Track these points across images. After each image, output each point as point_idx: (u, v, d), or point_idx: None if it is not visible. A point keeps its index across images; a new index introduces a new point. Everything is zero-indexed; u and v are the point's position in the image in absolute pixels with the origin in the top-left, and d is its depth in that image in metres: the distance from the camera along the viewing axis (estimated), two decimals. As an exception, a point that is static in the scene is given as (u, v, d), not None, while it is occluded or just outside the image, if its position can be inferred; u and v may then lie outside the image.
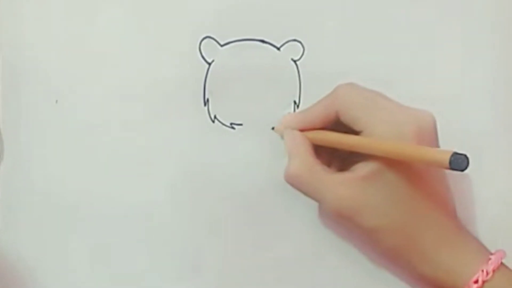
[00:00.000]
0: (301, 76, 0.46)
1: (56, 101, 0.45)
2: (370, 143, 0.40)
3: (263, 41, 0.45)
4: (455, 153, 0.34)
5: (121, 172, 0.46)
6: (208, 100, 0.45)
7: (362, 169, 0.41)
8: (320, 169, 0.42)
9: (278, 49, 0.46)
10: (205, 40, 0.45)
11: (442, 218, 0.41)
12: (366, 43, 0.46)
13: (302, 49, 0.46)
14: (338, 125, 0.42)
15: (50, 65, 0.45)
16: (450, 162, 0.34)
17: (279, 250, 0.46)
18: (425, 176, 0.41)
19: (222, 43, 0.45)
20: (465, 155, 0.34)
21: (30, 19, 0.45)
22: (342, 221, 0.42)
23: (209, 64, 0.45)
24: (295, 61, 0.46)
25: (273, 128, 0.46)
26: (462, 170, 0.34)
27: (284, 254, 0.46)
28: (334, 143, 0.42)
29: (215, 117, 0.46)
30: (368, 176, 0.40)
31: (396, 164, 0.40)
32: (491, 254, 0.41)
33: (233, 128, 0.46)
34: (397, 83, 0.46)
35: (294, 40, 0.46)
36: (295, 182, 0.43)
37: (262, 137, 0.46)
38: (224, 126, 0.46)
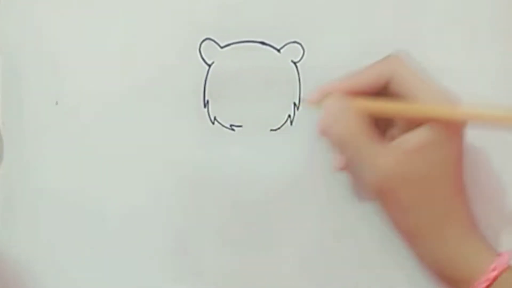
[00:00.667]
0: (301, 78, 0.46)
1: (56, 103, 0.46)
2: (436, 108, 0.40)
3: (263, 43, 0.45)
4: None
5: (121, 173, 0.46)
6: (208, 101, 0.46)
7: (410, 141, 0.40)
8: (366, 136, 0.41)
9: (278, 51, 0.45)
10: (205, 42, 0.45)
11: (463, 207, 0.41)
12: (366, 45, 0.46)
13: (302, 51, 0.46)
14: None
15: (50, 67, 0.45)
16: None
17: (280, 251, 0.46)
18: (461, 163, 0.41)
19: (222, 44, 0.45)
20: None
21: (30, 21, 0.45)
22: (379, 194, 0.41)
23: (209, 65, 0.45)
24: (295, 63, 0.46)
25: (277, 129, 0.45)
26: None
27: (285, 256, 0.46)
28: (387, 111, 0.41)
29: (215, 118, 0.46)
30: (415, 149, 0.40)
31: (442, 141, 0.40)
32: (499, 254, 0.41)
33: (233, 129, 0.46)
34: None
35: (294, 42, 0.45)
36: (339, 146, 0.41)
37: (262, 138, 0.46)
38: (224, 128, 0.46)
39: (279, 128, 0.46)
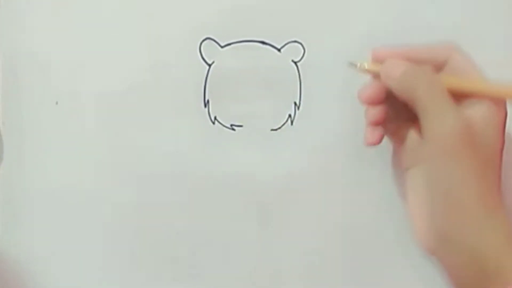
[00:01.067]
0: (301, 77, 0.46)
1: (57, 103, 0.45)
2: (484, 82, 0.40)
3: (263, 43, 0.45)
4: None
5: (121, 173, 0.46)
6: (208, 101, 0.45)
7: (478, 108, 0.39)
8: (446, 94, 0.39)
9: (279, 50, 0.45)
10: (205, 42, 0.45)
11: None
12: (367, 44, 0.46)
13: (302, 51, 0.45)
14: None
15: (50, 67, 0.45)
16: None
17: (280, 250, 0.46)
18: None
19: (222, 44, 0.45)
20: None
21: (30, 21, 0.45)
22: (441, 153, 0.39)
23: (210, 65, 0.45)
24: (295, 62, 0.46)
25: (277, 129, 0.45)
26: None
27: (285, 255, 0.46)
28: (463, 87, 0.40)
29: (215, 118, 0.46)
30: (481, 119, 0.39)
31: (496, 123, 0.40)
32: None
33: (233, 129, 0.46)
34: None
35: (295, 41, 0.45)
36: (417, 94, 0.39)
37: (262, 138, 0.46)
38: (224, 128, 0.46)
39: (279, 128, 0.46)
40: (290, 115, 0.46)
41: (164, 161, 0.46)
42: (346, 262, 0.46)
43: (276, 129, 0.46)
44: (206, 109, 0.45)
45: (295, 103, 0.46)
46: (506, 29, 0.46)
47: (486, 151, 0.39)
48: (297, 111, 0.46)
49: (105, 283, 0.46)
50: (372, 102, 0.42)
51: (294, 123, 0.46)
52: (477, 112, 0.39)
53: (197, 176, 0.46)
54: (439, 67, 0.41)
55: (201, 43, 0.45)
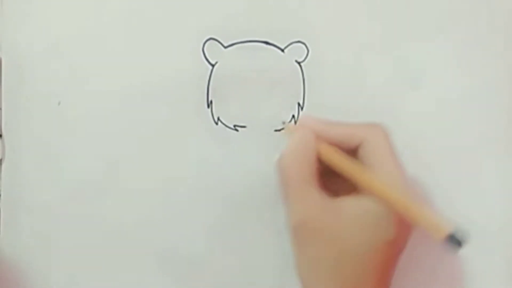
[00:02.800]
0: (305, 78, 0.45)
1: (59, 103, 0.45)
2: (377, 183, 0.39)
3: (267, 43, 0.45)
4: (454, 231, 0.34)
5: (122, 174, 0.45)
6: (211, 102, 0.45)
7: (342, 205, 0.40)
8: (310, 180, 0.40)
9: (282, 50, 0.45)
10: (208, 42, 0.45)
11: None
12: (370, 44, 0.46)
13: (306, 51, 0.45)
14: None
15: (52, 67, 0.45)
16: (450, 236, 0.34)
17: (283, 251, 0.46)
18: (392, 256, 0.40)
19: (226, 44, 0.45)
20: (460, 240, 0.33)
21: (32, 21, 0.45)
22: (292, 235, 0.41)
23: (213, 65, 0.45)
24: (299, 63, 0.45)
25: (283, 125, 0.45)
26: (460, 246, 0.34)
27: (287, 255, 0.45)
28: (336, 162, 0.41)
29: (218, 119, 0.45)
30: (340, 212, 0.40)
31: (378, 221, 0.39)
32: None
33: (236, 130, 0.46)
34: (402, 84, 0.46)
35: (298, 41, 0.45)
36: (281, 172, 0.41)
37: (265, 139, 0.45)
38: (227, 128, 0.45)
39: (283, 129, 0.45)
40: (293, 116, 0.46)
41: (167, 161, 0.45)
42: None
43: (279, 130, 0.46)
44: (209, 109, 0.45)
45: (299, 104, 0.46)
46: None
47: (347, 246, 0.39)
48: (300, 112, 0.46)
49: (105, 283, 0.46)
50: None
51: (298, 123, 0.46)
52: (352, 207, 0.40)
53: (200, 176, 0.45)
54: (355, 147, 0.41)
55: (204, 44, 0.45)
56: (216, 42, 0.45)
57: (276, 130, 0.45)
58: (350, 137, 0.41)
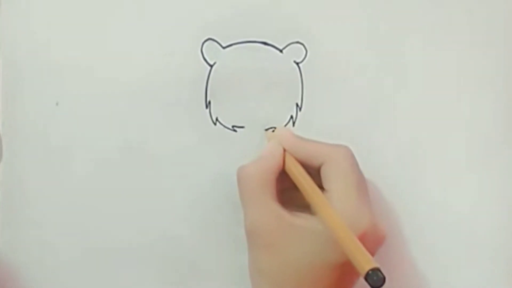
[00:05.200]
0: (303, 78, 0.45)
1: (57, 103, 0.45)
2: (322, 205, 0.40)
3: (265, 43, 0.45)
4: (374, 270, 0.34)
5: (121, 174, 0.45)
6: (210, 102, 0.45)
7: (298, 222, 0.41)
8: (267, 188, 0.42)
9: (281, 51, 0.45)
10: (207, 42, 0.45)
11: None
12: (369, 45, 0.46)
13: (304, 52, 0.45)
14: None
15: (50, 67, 0.45)
16: (367, 275, 0.34)
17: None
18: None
19: (224, 45, 0.45)
20: (383, 277, 0.34)
21: (31, 21, 0.45)
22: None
23: (211, 66, 0.45)
24: (297, 64, 0.45)
25: (266, 130, 0.45)
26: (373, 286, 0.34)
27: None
28: (296, 178, 0.42)
29: (216, 119, 0.45)
30: (290, 227, 0.41)
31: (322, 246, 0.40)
32: None
33: (235, 130, 0.46)
34: (401, 85, 0.46)
35: (297, 42, 0.45)
36: (242, 180, 0.42)
37: (264, 140, 0.45)
38: (226, 129, 0.45)
39: (271, 128, 0.46)
40: (292, 116, 0.46)
41: (165, 162, 0.45)
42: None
43: (267, 129, 0.46)
44: (208, 110, 0.45)
45: (297, 104, 0.46)
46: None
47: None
48: (299, 112, 0.46)
49: (105, 283, 0.46)
50: None
51: (296, 124, 0.46)
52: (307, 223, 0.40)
53: (198, 177, 0.45)
54: (319, 166, 0.42)
55: (203, 44, 0.45)
56: (215, 43, 0.45)
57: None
58: (314, 155, 0.42)
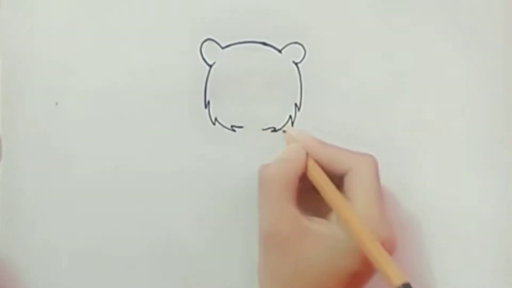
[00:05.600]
0: (302, 78, 0.46)
1: (56, 103, 0.45)
2: (348, 214, 0.40)
3: (264, 44, 0.45)
4: (405, 285, 0.35)
5: (120, 174, 0.45)
6: (209, 102, 0.45)
7: (316, 228, 0.41)
8: (288, 193, 0.41)
9: (280, 51, 0.45)
10: (206, 42, 0.45)
11: None
12: (367, 45, 0.46)
13: (303, 52, 0.45)
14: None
15: (50, 67, 0.45)
16: None
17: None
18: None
19: (223, 45, 0.45)
20: None
21: (30, 21, 0.45)
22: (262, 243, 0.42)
23: (210, 66, 0.45)
24: (296, 64, 0.46)
25: (277, 130, 0.45)
26: None
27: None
28: (318, 184, 0.42)
29: (215, 119, 0.45)
30: (308, 234, 0.40)
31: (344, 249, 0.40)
32: None
33: (234, 130, 0.46)
34: (401, 85, 0.46)
35: (296, 42, 0.45)
36: (264, 180, 0.42)
37: (263, 140, 0.46)
38: (225, 129, 0.46)
39: (280, 129, 0.46)
40: (290, 116, 0.46)
41: (164, 162, 0.45)
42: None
43: (276, 130, 0.46)
44: (207, 110, 0.45)
45: (296, 104, 0.46)
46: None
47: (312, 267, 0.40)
48: (297, 112, 0.46)
49: (105, 283, 0.46)
50: None
51: (294, 124, 0.46)
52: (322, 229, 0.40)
53: (197, 177, 0.45)
54: (343, 174, 0.42)
55: (202, 44, 0.45)
56: (214, 43, 0.45)
57: (273, 131, 0.46)
58: (338, 162, 0.42)
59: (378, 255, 0.38)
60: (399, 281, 0.35)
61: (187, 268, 0.46)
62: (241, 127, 0.46)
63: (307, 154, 0.43)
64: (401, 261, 0.45)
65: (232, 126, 0.46)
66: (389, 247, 0.40)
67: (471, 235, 0.47)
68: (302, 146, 0.43)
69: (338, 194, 0.41)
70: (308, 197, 0.42)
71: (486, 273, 0.47)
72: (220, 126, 0.45)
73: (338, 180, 0.42)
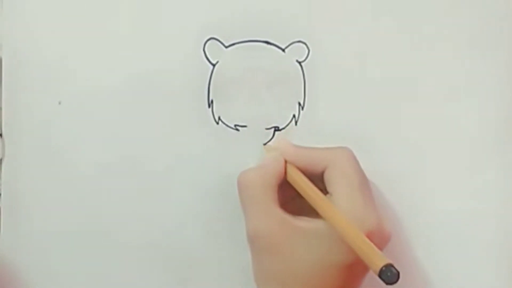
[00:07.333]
0: (306, 77, 0.46)
1: (59, 102, 0.45)
2: (328, 209, 0.40)
3: (268, 43, 0.45)
4: (388, 266, 0.34)
5: (123, 173, 0.45)
6: (212, 101, 0.45)
7: (302, 225, 0.41)
8: (269, 195, 0.42)
9: (283, 50, 0.45)
10: (209, 41, 0.45)
11: None
12: (371, 44, 0.46)
13: (307, 51, 0.45)
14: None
15: (53, 66, 0.45)
16: (381, 271, 0.34)
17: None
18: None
19: (226, 44, 0.45)
20: (397, 272, 0.34)
21: (33, 20, 0.45)
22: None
23: (214, 65, 0.45)
24: (300, 63, 0.45)
25: (281, 129, 0.46)
26: (390, 283, 0.34)
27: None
28: (299, 186, 0.42)
29: (219, 118, 0.45)
30: (295, 231, 0.41)
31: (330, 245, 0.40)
32: None
33: (237, 129, 0.46)
34: (403, 85, 0.46)
35: (299, 41, 0.45)
36: (242, 185, 0.42)
37: (266, 139, 0.45)
38: (228, 128, 0.45)
39: (283, 128, 0.46)
40: (294, 115, 0.46)
41: (168, 161, 0.45)
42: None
43: (280, 129, 0.46)
44: (210, 109, 0.45)
45: (299, 103, 0.46)
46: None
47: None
48: (301, 111, 0.46)
49: (105, 283, 0.46)
50: None
51: (298, 123, 0.46)
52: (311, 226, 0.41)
53: (200, 176, 0.45)
54: (322, 171, 0.42)
55: (205, 43, 0.45)
56: (217, 42, 0.45)
57: (277, 130, 0.46)
58: (315, 161, 0.43)
59: (359, 242, 0.37)
60: (381, 263, 0.35)
61: (187, 268, 0.46)
62: (244, 126, 0.45)
63: (285, 161, 0.43)
64: (406, 262, 0.46)
65: (235, 125, 0.45)
66: (379, 239, 0.40)
67: (477, 237, 0.47)
68: (279, 153, 0.43)
69: (317, 192, 0.41)
70: (297, 206, 0.43)
71: (487, 273, 0.47)
72: (224, 125, 0.45)
73: (320, 180, 0.42)
